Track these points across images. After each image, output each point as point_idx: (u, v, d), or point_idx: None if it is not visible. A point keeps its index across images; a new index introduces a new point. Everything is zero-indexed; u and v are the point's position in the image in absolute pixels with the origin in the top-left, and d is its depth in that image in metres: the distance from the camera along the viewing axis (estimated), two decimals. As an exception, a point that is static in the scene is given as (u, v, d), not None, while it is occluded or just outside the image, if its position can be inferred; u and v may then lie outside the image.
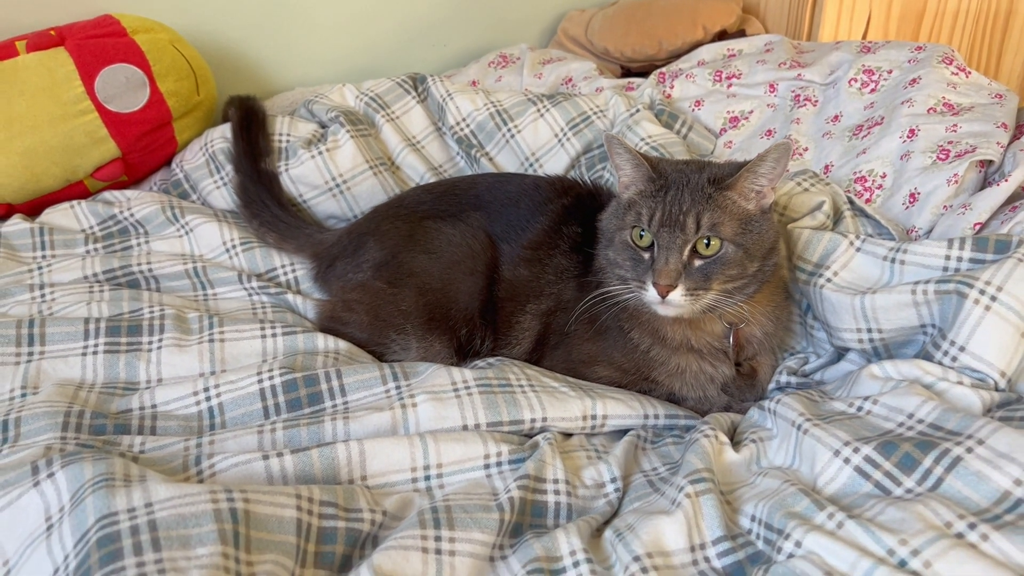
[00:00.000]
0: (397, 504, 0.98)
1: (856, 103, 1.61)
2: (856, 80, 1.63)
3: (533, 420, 1.11)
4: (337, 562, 0.90)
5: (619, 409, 1.16)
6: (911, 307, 1.11)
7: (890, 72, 1.61)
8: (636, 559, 0.88)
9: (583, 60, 2.05)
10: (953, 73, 1.55)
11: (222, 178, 1.67)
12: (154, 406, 1.13)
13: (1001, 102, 1.47)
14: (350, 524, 0.92)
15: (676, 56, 2.04)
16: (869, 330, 1.16)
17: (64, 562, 0.80)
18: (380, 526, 0.94)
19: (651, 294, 1.11)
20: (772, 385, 1.28)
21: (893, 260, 1.17)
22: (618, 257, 1.16)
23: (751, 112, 1.74)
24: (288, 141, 1.69)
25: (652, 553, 0.89)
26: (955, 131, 1.42)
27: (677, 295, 1.09)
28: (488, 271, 1.32)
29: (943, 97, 1.50)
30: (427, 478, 1.02)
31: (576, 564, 0.89)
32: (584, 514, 1.00)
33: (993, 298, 1.02)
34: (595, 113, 1.71)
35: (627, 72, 2.16)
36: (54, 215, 1.59)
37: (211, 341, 1.25)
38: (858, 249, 1.21)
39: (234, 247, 1.54)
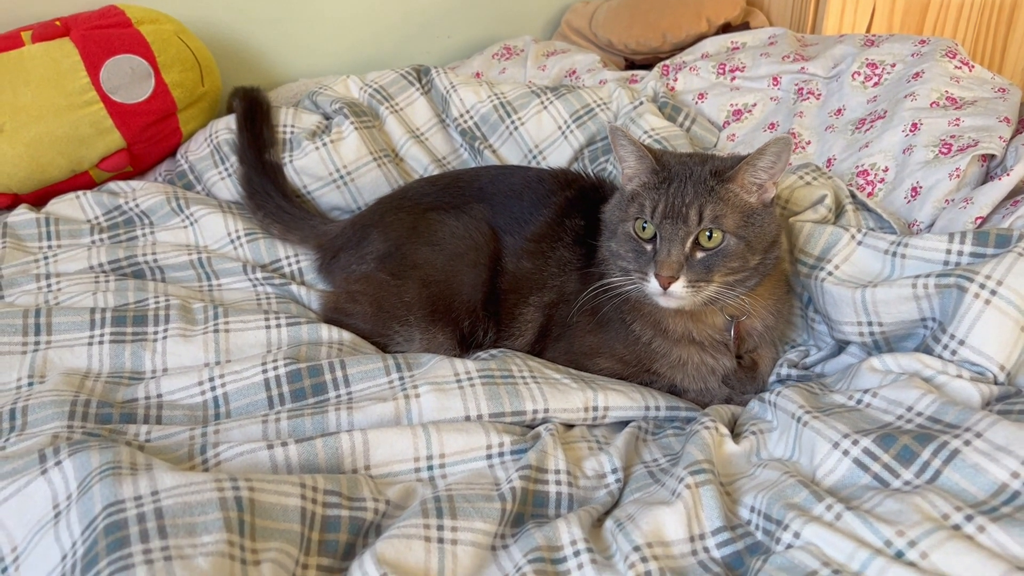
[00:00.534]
0: (400, 493, 0.99)
1: (859, 96, 1.61)
2: (859, 73, 1.63)
3: (535, 411, 1.12)
4: (341, 550, 0.91)
5: (620, 401, 1.17)
6: (911, 301, 1.11)
7: (893, 66, 1.61)
8: (636, 549, 0.89)
9: (587, 52, 2.05)
10: (956, 67, 1.55)
11: (227, 169, 1.67)
12: (159, 395, 1.14)
13: (1004, 96, 1.47)
14: (354, 513, 0.93)
15: (680, 49, 2.04)
16: (870, 323, 1.16)
17: (72, 548, 0.81)
18: (383, 515, 0.95)
19: (653, 285, 1.11)
20: (773, 378, 1.29)
21: (894, 254, 1.18)
22: (621, 248, 1.17)
23: (754, 105, 1.74)
24: (292, 132, 1.70)
25: (652, 543, 0.90)
26: (958, 125, 1.42)
27: (679, 287, 1.10)
28: (491, 263, 1.33)
29: (946, 91, 1.50)
30: (430, 468, 1.03)
31: (577, 554, 0.90)
32: (585, 504, 1.01)
33: (993, 292, 1.03)
34: (599, 106, 1.71)
35: (631, 64, 2.16)
36: (60, 205, 1.60)
37: (216, 331, 1.26)
38: (859, 243, 1.22)
39: (239, 238, 1.54)
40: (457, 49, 2.27)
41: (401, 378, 1.15)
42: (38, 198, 1.65)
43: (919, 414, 0.97)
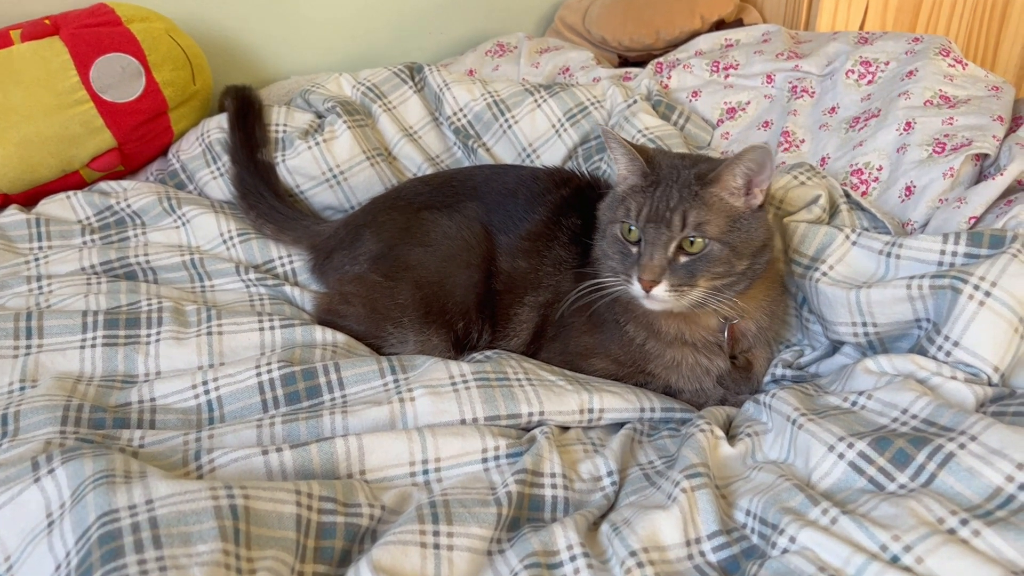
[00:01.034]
0: (396, 498, 0.99)
1: (853, 95, 1.61)
2: (853, 71, 1.63)
3: (530, 414, 1.12)
4: (336, 557, 0.90)
5: (616, 402, 1.17)
6: (906, 302, 1.11)
7: (887, 64, 1.61)
8: (632, 554, 0.89)
9: (580, 49, 2.05)
10: (950, 65, 1.55)
11: (219, 168, 1.66)
12: (153, 399, 1.13)
13: (998, 94, 1.48)
14: (349, 519, 0.92)
15: (674, 46, 2.03)
16: (864, 324, 1.16)
17: (66, 559, 0.81)
18: (379, 521, 0.95)
19: (636, 288, 1.12)
20: (768, 378, 1.29)
21: (888, 254, 1.18)
22: (609, 249, 1.18)
23: (748, 103, 1.74)
24: (285, 131, 1.69)
25: (648, 548, 0.90)
26: (951, 124, 1.42)
27: (661, 291, 1.11)
28: (485, 264, 1.33)
29: (940, 89, 1.50)
30: (425, 472, 1.03)
31: (573, 558, 0.90)
32: (581, 508, 1.00)
33: (987, 294, 1.03)
34: (592, 104, 1.71)
35: (624, 61, 2.15)
36: (50, 206, 1.58)
37: (209, 334, 1.25)
38: (854, 243, 1.22)
39: (231, 238, 1.54)
40: (450, 46, 2.26)
41: (396, 381, 1.15)
42: (28, 198, 1.63)
43: (914, 417, 0.98)
